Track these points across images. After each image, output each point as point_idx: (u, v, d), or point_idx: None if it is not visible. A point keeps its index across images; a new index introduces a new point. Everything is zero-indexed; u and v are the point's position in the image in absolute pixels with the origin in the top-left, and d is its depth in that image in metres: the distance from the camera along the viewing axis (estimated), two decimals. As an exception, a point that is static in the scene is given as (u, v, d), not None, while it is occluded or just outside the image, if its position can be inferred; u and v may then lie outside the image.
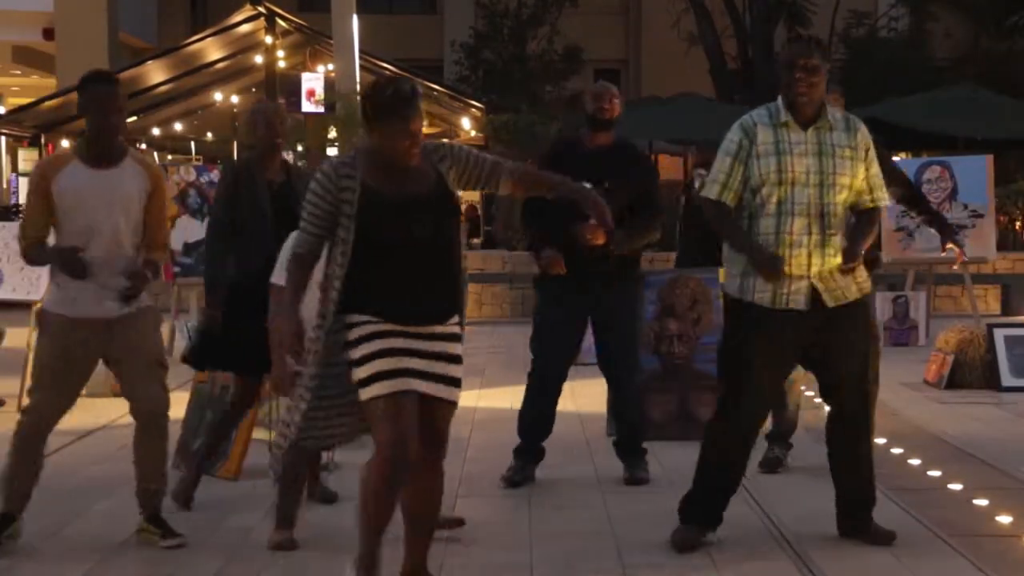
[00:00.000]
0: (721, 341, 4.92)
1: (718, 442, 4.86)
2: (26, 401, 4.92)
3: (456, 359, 4.09)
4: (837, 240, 4.64)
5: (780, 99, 4.71)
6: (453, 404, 4.11)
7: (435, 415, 4.06)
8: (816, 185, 4.60)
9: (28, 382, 5.04)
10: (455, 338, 4.10)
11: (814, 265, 4.60)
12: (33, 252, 4.79)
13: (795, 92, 4.61)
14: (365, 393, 3.94)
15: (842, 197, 4.66)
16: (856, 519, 4.85)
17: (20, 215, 16.49)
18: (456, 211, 4.17)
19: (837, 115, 4.76)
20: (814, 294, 4.63)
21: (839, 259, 4.63)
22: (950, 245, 6.18)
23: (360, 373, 3.95)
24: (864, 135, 4.75)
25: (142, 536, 4.86)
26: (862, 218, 4.78)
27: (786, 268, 4.58)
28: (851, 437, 4.85)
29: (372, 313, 3.98)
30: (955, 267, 5.50)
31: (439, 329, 4.05)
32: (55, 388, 4.74)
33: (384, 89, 3.97)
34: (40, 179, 4.72)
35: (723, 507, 4.85)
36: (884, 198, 4.83)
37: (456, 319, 4.12)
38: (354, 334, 3.98)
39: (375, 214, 3.96)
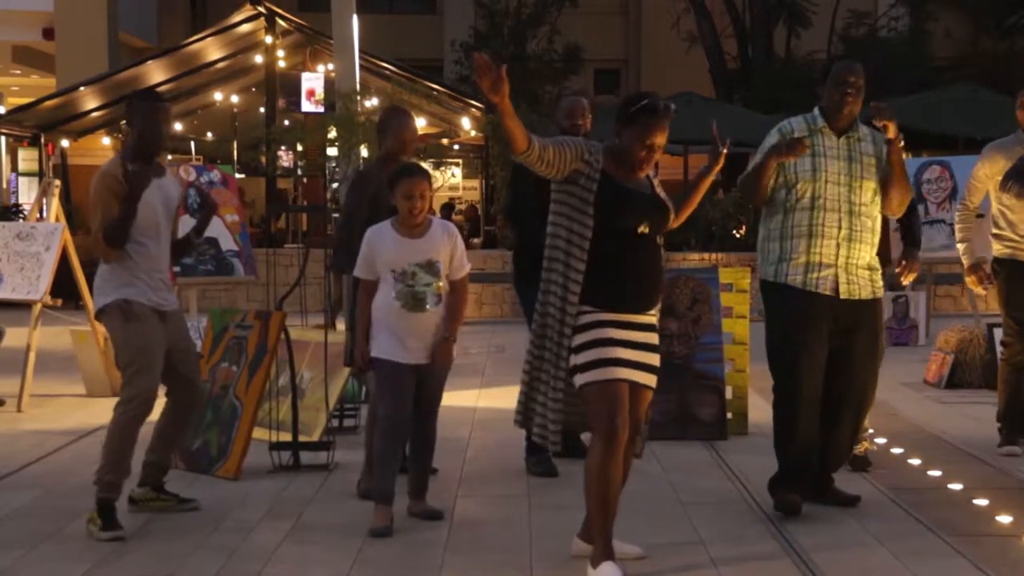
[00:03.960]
0: (766, 326, 5.35)
1: (798, 419, 5.19)
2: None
3: (656, 348, 4.45)
4: (865, 237, 5.17)
5: (817, 109, 5.28)
6: (652, 390, 4.47)
7: (637, 401, 4.40)
8: (846, 185, 5.15)
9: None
10: (655, 328, 4.47)
11: (841, 256, 5.14)
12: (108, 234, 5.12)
13: (842, 106, 5.17)
14: (579, 379, 4.30)
15: (868, 198, 5.18)
16: (821, 478, 5.32)
17: (23, 215, 16.50)
18: (668, 213, 4.48)
19: (864, 128, 5.29)
20: (837, 283, 5.14)
21: (863, 254, 5.16)
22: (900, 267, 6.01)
23: (576, 360, 4.30)
24: (883, 147, 5.25)
25: (155, 505, 5.35)
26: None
27: (815, 256, 5.12)
28: (837, 416, 5.26)
29: (599, 302, 4.32)
30: (904, 281, 5.85)
31: (646, 319, 4.40)
32: (151, 370, 5.08)
33: (637, 100, 4.34)
34: (116, 183, 5.03)
35: (809, 471, 5.28)
36: None
37: (654, 311, 4.48)
38: (579, 321, 4.32)
39: (615, 201, 4.31)
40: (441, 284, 5.04)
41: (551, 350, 4.37)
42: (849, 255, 5.14)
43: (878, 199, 5.24)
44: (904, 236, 5.72)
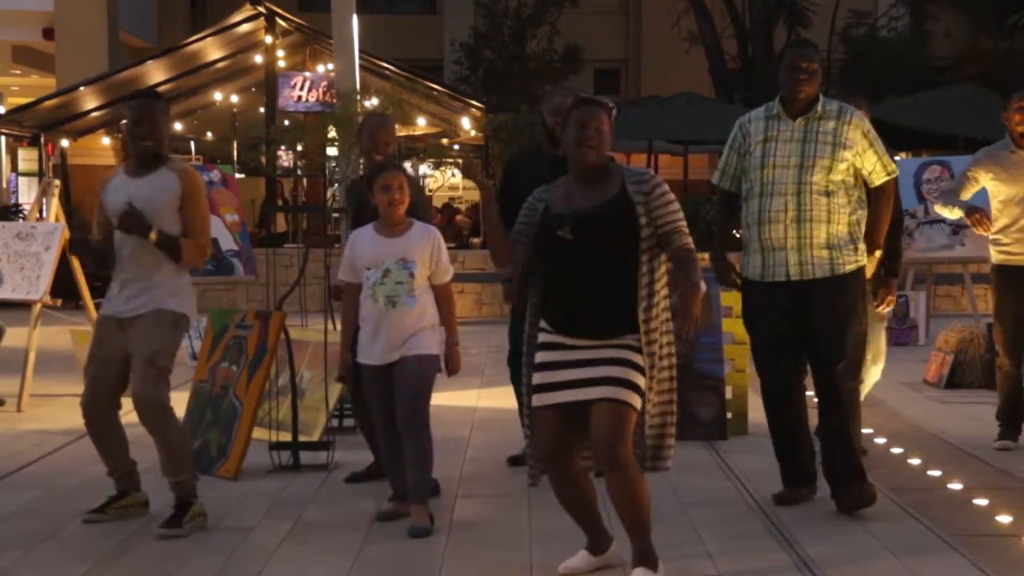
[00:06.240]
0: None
1: (768, 411, 5.43)
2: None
3: (623, 362, 4.13)
4: (818, 216, 5.15)
5: (778, 96, 5.31)
6: (617, 403, 4.11)
7: (600, 417, 4.12)
8: (796, 167, 5.18)
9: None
10: (626, 347, 4.16)
11: (790, 238, 5.17)
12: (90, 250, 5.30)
13: (795, 91, 5.21)
14: (533, 401, 4.30)
15: (820, 176, 5.16)
16: (835, 485, 5.24)
17: (23, 215, 16.49)
18: (631, 231, 4.17)
19: (832, 106, 5.29)
20: (788, 265, 5.20)
21: (819, 232, 5.15)
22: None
23: (534, 380, 4.30)
24: (855, 126, 5.23)
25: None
26: (874, 198, 5.36)
27: (767, 242, 5.21)
28: (830, 405, 5.25)
29: (549, 324, 4.28)
30: (884, 310, 6.10)
31: (605, 341, 4.17)
32: (91, 374, 5.13)
33: (570, 95, 4.38)
34: (99, 188, 5.20)
35: (802, 466, 5.40)
36: (894, 169, 5.38)
37: (631, 338, 4.15)
38: (536, 340, 4.33)
39: (543, 222, 4.25)
40: (415, 284, 5.03)
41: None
42: (800, 235, 5.15)
43: (839, 177, 5.18)
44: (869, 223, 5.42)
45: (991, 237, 6.58)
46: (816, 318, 5.18)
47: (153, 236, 4.95)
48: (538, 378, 4.26)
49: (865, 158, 5.25)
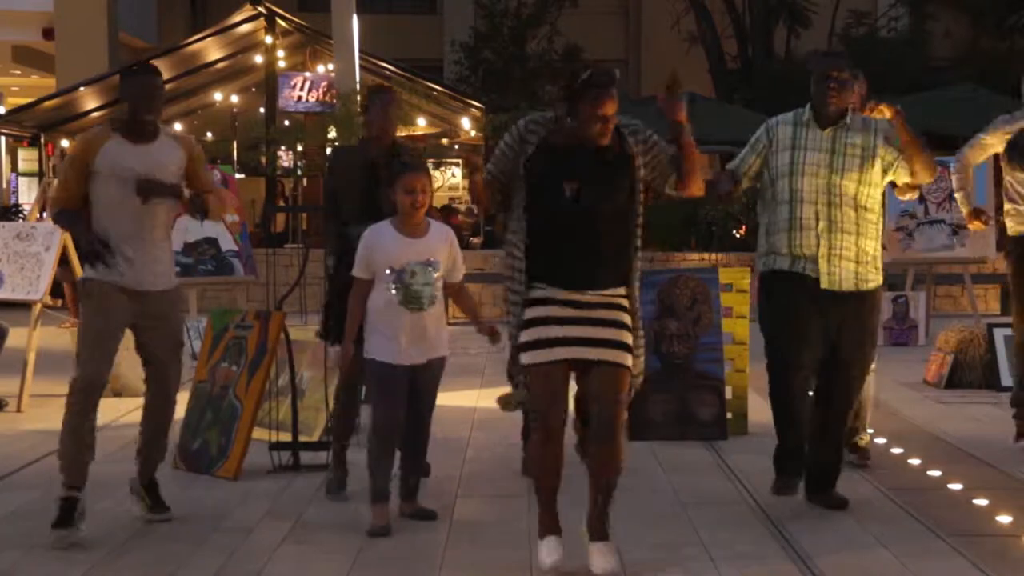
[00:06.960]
0: (759, 314, 5.39)
1: (777, 403, 5.31)
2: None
3: (621, 324, 4.34)
4: (848, 227, 5.15)
5: (809, 103, 5.28)
6: (620, 367, 4.31)
7: (603, 378, 4.30)
8: (825, 177, 5.17)
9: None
10: (620, 308, 4.36)
11: (823, 246, 5.15)
12: (62, 217, 5.04)
13: (826, 101, 5.19)
14: (523, 358, 4.33)
15: (851, 188, 5.17)
16: (819, 484, 5.33)
17: (23, 215, 16.49)
18: (632, 183, 4.34)
19: (858, 118, 5.28)
20: (819, 272, 5.16)
21: (848, 244, 5.15)
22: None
23: (521, 337, 4.34)
24: (879, 135, 5.23)
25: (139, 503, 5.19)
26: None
27: (796, 249, 5.18)
28: (830, 412, 5.29)
29: (543, 278, 4.30)
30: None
31: (603, 298, 4.32)
32: (98, 345, 4.94)
33: (578, 75, 4.27)
34: (82, 151, 4.96)
35: (802, 456, 5.31)
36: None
37: (623, 291, 4.38)
38: (528, 297, 4.34)
39: (544, 171, 4.27)
40: (438, 284, 5.06)
41: (512, 322, 4.45)
42: (831, 245, 5.15)
43: (870, 189, 5.20)
44: None
45: (1006, 209, 6.44)
46: (842, 333, 5.18)
47: (186, 194, 4.93)
48: (533, 334, 4.31)
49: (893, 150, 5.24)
